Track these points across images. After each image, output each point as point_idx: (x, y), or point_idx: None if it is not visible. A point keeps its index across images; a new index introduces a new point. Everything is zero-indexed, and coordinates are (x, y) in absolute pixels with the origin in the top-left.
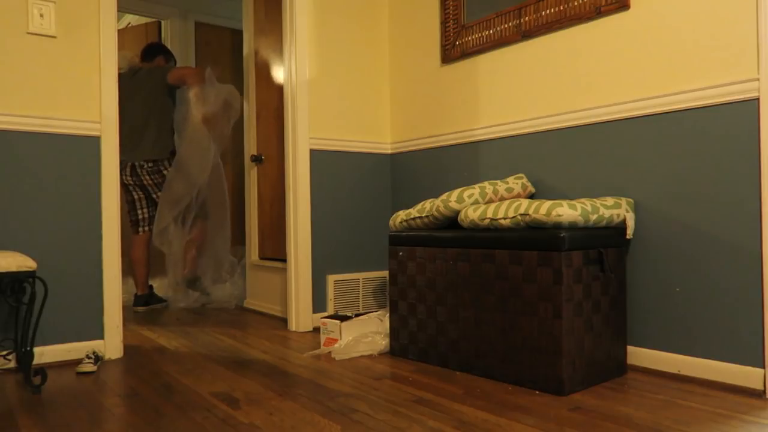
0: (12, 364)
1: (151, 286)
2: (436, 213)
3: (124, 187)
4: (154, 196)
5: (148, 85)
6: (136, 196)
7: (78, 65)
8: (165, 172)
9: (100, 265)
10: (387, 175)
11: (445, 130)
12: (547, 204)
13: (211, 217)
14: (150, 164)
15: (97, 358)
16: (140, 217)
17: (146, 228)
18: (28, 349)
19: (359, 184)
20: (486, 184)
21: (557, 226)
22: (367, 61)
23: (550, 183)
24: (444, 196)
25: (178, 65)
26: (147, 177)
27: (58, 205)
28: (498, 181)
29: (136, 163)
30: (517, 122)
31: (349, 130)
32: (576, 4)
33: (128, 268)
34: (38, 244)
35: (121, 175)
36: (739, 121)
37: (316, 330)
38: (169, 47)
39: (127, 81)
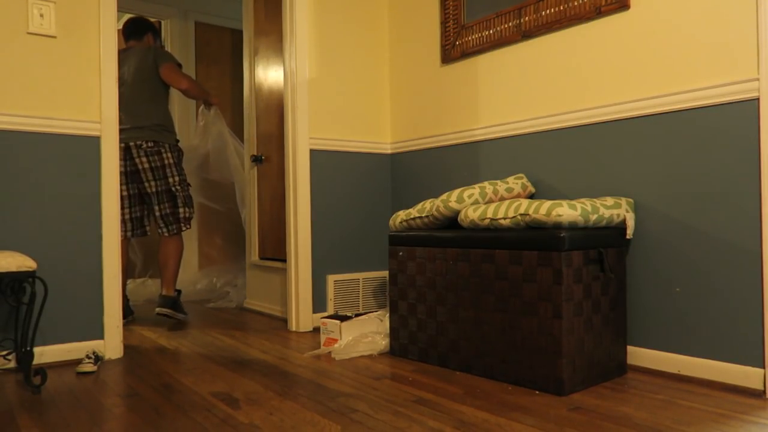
0: (12, 364)
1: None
2: (436, 213)
3: None
4: (148, 186)
5: (147, 65)
6: (123, 192)
7: (78, 65)
8: (164, 156)
9: (100, 265)
10: (387, 175)
11: (445, 130)
12: (547, 204)
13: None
14: (150, 144)
15: (97, 358)
16: (125, 218)
17: (128, 233)
18: (28, 349)
19: (359, 184)
20: (486, 184)
21: (557, 226)
22: (367, 61)
23: (550, 183)
24: (444, 196)
25: (170, 64)
26: (144, 159)
27: (58, 205)
28: (498, 181)
29: (133, 144)
30: (517, 122)
31: (349, 130)
32: (576, 4)
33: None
34: (38, 244)
35: None
36: (739, 121)
37: (316, 330)
38: (168, 47)
39: (126, 55)
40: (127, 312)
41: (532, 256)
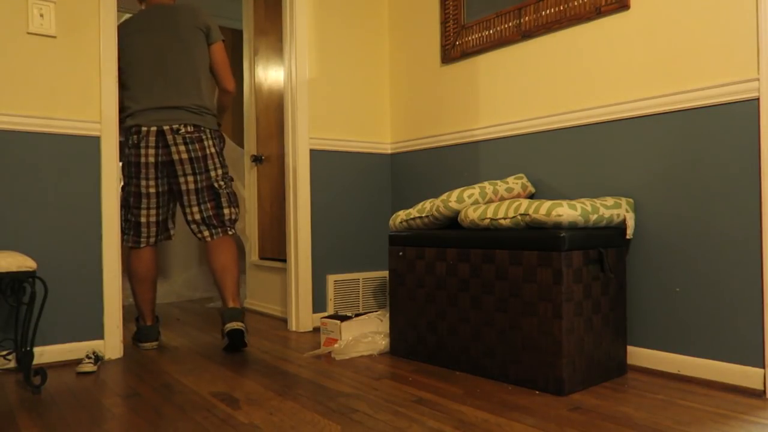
0: (12, 364)
1: (157, 318)
2: (436, 213)
3: (133, 168)
4: (184, 182)
5: (195, 31)
6: (144, 188)
7: (78, 65)
8: (206, 144)
9: (100, 265)
10: (387, 175)
11: (445, 130)
12: (547, 204)
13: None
14: (190, 129)
15: (97, 358)
16: (143, 221)
17: (152, 239)
18: (28, 349)
19: (359, 184)
20: (486, 184)
21: (557, 226)
22: (367, 61)
23: (550, 183)
24: (444, 196)
25: (223, 46)
26: (182, 147)
27: (58, 205)
28: (498, 181)
29: (168, 128)
30: (517, 122)
31: (349, 130)
32: (576, 4)
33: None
34: (38, 244)
35: (133, 149)
36: (739, 121)
37: (316, 330)
38: None
39: (149, 15)
40: (153, 336)
41: (532, 256)
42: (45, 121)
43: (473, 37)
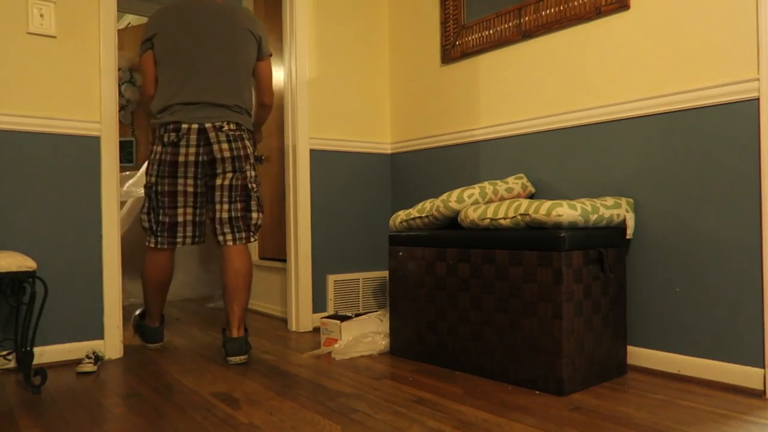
0: (12, 364)
1: (163, 317)
2: (436, 213)
3: (167, 168)
4: (221, 178)
5: (248, 35)
6: (182, 186)
7: (78, 65)
8: (246, 143)
9: (100, 265)
10: (387, 175)
11: (445, 130)
12: (547, 204)
13: None
14: (233, 127)
15: (97, 358)
16: (180, 220)
17: (188, 239)
18: (28, 349)
19: (359, 184)
20: (486, 184)
21: (557, 226)
22: (367, 61)
23: (550, 183)
24: (444, 196)
25: (270, 61)
26: (225, 145)
27: (58, 205)
28: (498, 181)
29: (210, 125)
30: (517, 122)
31: (349, 130)
32: (576, 4)
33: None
34: (38, 244)
35: (169, 147)
36: (739, 121)
37: (316, 330)
38: None
39: (194, 8)
40: (159, 337)
41: (532, 256)
42: (45, 121)
43: (473, 37)
